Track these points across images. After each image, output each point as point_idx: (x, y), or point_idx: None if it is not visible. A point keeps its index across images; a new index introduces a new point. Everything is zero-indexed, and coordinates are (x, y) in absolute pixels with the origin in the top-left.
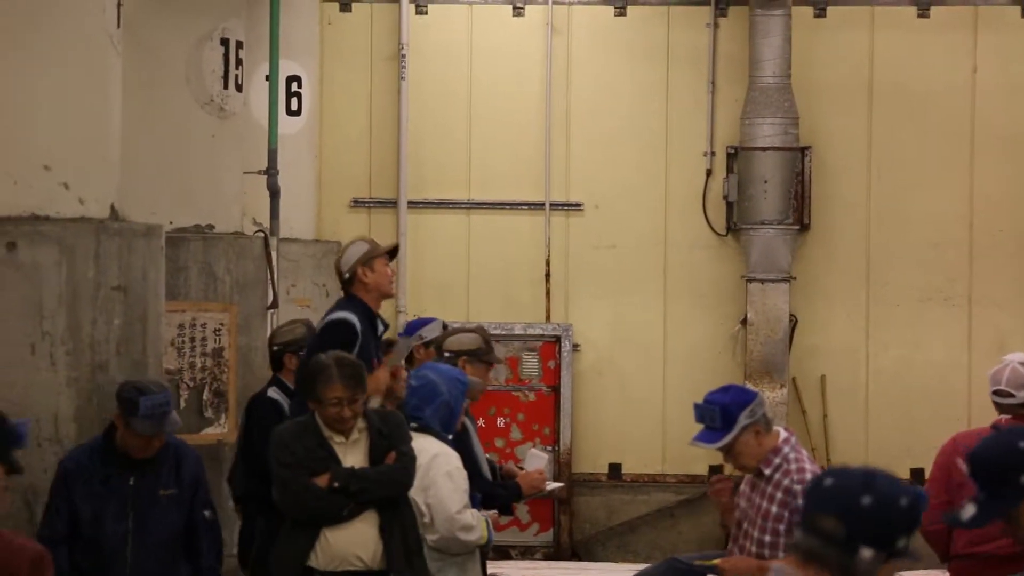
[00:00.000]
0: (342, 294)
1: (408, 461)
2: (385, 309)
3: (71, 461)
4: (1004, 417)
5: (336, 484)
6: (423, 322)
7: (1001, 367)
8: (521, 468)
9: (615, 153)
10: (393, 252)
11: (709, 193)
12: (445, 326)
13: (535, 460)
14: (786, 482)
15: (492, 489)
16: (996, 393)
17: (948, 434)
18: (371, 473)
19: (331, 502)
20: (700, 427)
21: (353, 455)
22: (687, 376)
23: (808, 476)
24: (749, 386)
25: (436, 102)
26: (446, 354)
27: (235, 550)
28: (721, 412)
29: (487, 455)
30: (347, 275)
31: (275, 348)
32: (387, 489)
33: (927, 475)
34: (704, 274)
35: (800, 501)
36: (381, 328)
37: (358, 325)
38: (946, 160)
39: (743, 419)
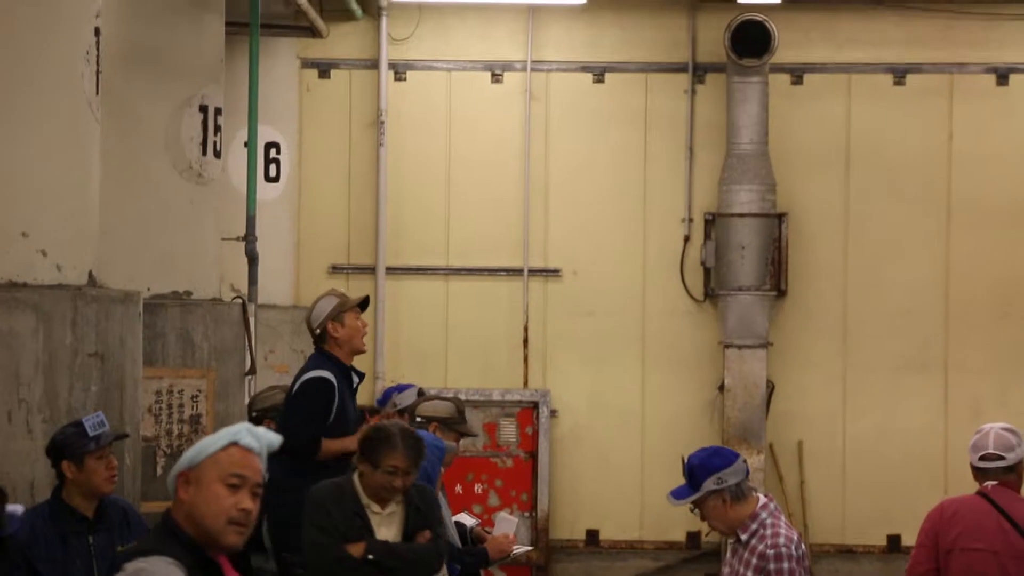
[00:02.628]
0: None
1: (441, 544)
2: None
3: (21, 530)
4: (990, 483)
5: (371, 557)
6: (399, 388)
7: (983, 434)
8: (490, 532)
9: (593, 219)
10: (363, 305)
11: (687, 259)
12: (421, 393)
13: (504, 524)
14: (761, 547)
15: (459, 556)
16: (983, 458)
17: (925, 500)
18: (406, 551)
19: (363, 575)
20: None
21: (387, 527)
22: (665, 442)
23: (782, 541)
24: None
25: (415, 168)
26: (418, 419)
27: None
28: (690, 471)
29: (471, 518)
30: (318, 331)
31: (254, 414)
32: (419, 570)
33: (903, 541)
34: (682, 340)
35: (772, 565)
36: (356, 380)
37: (334, 381)
38: (922, 227)
39: (709, 484)
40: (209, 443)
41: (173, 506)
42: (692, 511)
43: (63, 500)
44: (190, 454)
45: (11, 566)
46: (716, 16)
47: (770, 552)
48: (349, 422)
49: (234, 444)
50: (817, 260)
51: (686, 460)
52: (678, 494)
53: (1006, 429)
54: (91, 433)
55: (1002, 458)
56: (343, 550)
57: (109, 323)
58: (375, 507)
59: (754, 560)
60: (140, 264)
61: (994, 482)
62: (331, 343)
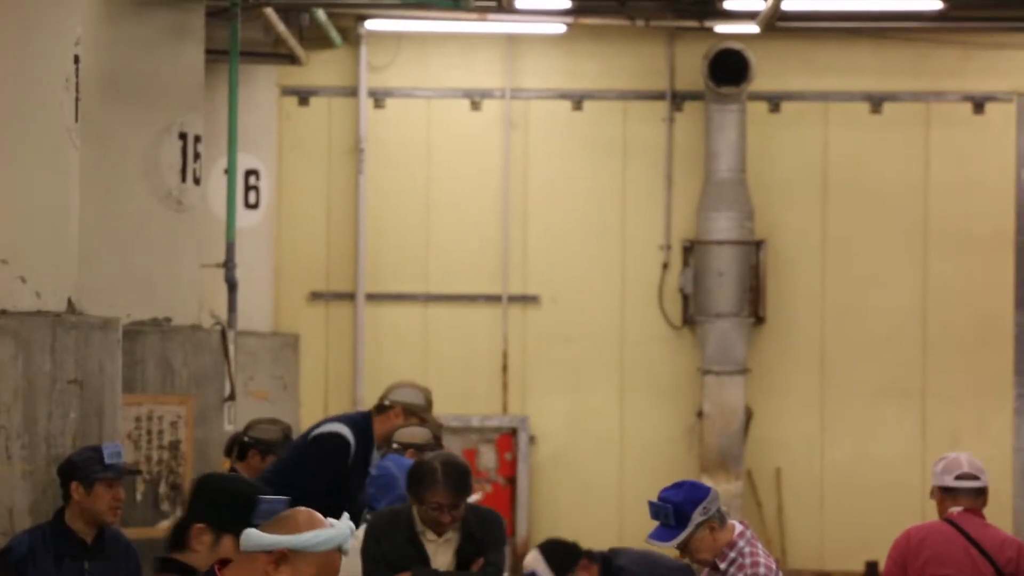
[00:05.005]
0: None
1: (492, 571)
2: (343, 401)
3: (20, 545)
4: (956, 510)
5: None
6: None
7: (953, 458)
8: None
9: (572, 246)
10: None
11: (665, 286)
12: None
13: None
14: None
15: None
16: (959, 477)
17: (903, 527)
18: None
19: None
20: (656, 522)
21: (443, 553)
22: (644, 468)
23: (761, 570)
24: (706, 479)
25: (394, 195)
26: (395, 445)
27: None
28: (674, 510)
29: None
30: (386, 403)
31: (247, 439)
32: None
33: (881, 567)
34: (660, 367)
35: None
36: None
37: (351, 441)
38: (900, 254)
39: (697, 516)
40: (315, 538)
41: (244, 568)
42: (678, 549)
43: (65, 522)
44: (296, 540)
45: None
46: (694, 44)
47: None
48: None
49: (338, 549)
50: (795, 287)
51: (661, 500)
52: (663, 536)
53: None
54: (107, 460)
55: (977, 479)
56: None
57: (88, 349)
58: (431, 535)
59: None
60: (119, 291)
61: (959, 508)
62: (382, 421)
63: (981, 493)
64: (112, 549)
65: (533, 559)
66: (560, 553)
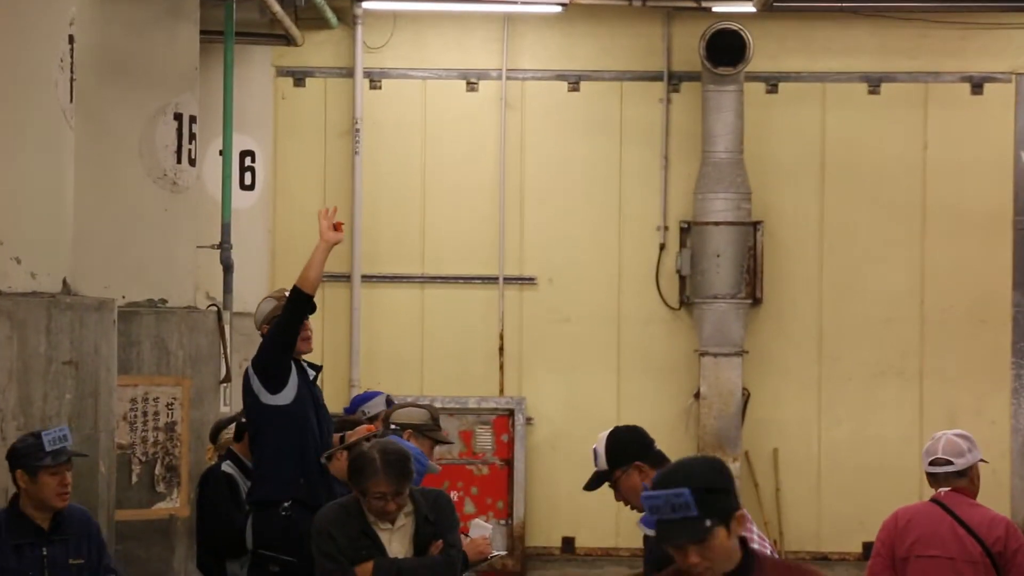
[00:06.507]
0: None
1: (455, 552)
2: (338, 383)
3: None
4: (943, 490)
5: None
6: (367, 397)
7: (935, 440)
8: (467, 537)
9: (569, 227)
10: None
11: (662, 267)
12: (390, 401)
13: (479, 529)
14: None
15: None
16: (933, 463)
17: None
18: (416, 567)
19: None
20: None
21: (399, 541)
22: None
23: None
24: None
25: (390, 176)
26: (392, 426)
27: None
28: None
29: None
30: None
31: (243, 420)
32: None
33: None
34: (657, 348)
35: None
36: (312, 373)
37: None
38: (897, 235)
39: None
40: None
41: None
42: None
43: (19, 509)
44: None
45: None
46: (691, 25)
47: None
48: (316, 407)
49: None
50: (792, 268)
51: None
52: (648, 521)
53: (959, 435)
54: (48, 448)
55: (951, 463)
56: (351, 574)
57: (83, 331)
58: (383, 524)
59: None
60: (115, 272)
61: (947, 488)
62: None
63: (963, 475)
64: (70, 529)
65: (600, 438)
66: (622, 443)
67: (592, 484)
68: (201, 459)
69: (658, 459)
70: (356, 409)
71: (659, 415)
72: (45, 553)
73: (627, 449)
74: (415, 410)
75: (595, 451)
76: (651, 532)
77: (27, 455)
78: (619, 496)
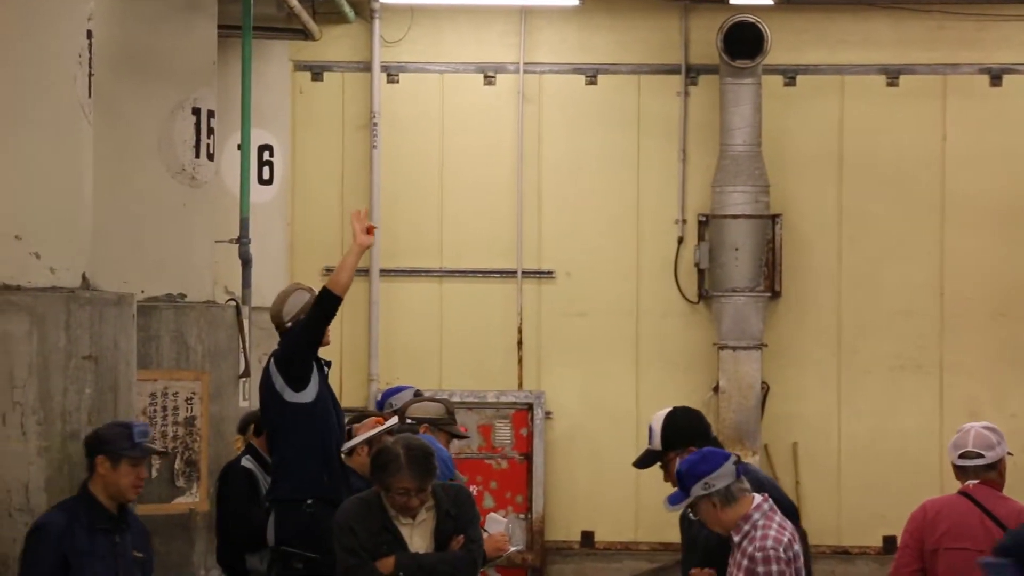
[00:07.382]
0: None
1: (476, 547)
2: (357, 377)
3: (57, 521)
4: (972, 482)
5: (401, 574)
6: (395, 391)
7: (963, 432)
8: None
9: (587, 221)
10: None
11: (680, 260)
12: (418, 394)
13: (494, 524)
14: (750, 549)
15: None
16: (963, 456)
17: (921, 502)
18: (437, 562)
19: None
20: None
21: (420, 535)
22: None
23: (770, 544)
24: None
25: (408, 170)
26: (408, 420)
27: None
28: (679, 478)
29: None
30: (289, 324)
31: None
32: None
33: (899, 542)
34: (676, 341)
35: (761, 568)
36: (326, 370)
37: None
38: (916, 228)
39: (697, 490)
40: None
41: None
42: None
43: (92, 494)
44: None
45: (41, 555)
46: (709, 17)
47: (758, 555)
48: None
49: None
50: (811, 261)
51: (679, 467)
52: (673, 499)
53: (987, 428)
54: (136, 439)
55: (981, 456)
56: (373, 569)
57: (103, 325)
58: (404, 519)
59: (745, 562)
60: (134, 266)
61: (975, 481)
62: None
63: (992, 468)
64: (133, 524)
65: (658, 417)
66: (679, 426)
67: (642, 462)
68: (221, 453)
69: (713, 446)
70: (385, 402)
71: None
72: (117, 540)
73: (683, 433)
74: (431, 404)
75: (651, 428)
76: (674, 509)
77: (114, 441)
78: (667, 477)
